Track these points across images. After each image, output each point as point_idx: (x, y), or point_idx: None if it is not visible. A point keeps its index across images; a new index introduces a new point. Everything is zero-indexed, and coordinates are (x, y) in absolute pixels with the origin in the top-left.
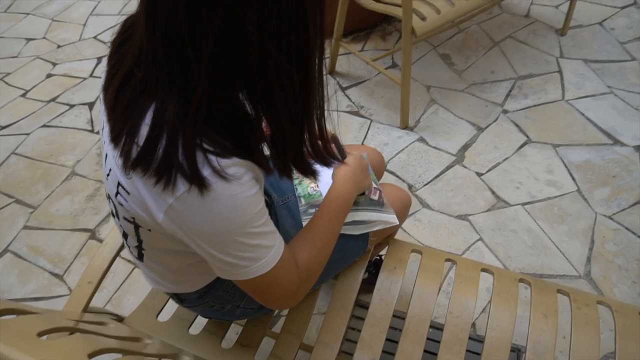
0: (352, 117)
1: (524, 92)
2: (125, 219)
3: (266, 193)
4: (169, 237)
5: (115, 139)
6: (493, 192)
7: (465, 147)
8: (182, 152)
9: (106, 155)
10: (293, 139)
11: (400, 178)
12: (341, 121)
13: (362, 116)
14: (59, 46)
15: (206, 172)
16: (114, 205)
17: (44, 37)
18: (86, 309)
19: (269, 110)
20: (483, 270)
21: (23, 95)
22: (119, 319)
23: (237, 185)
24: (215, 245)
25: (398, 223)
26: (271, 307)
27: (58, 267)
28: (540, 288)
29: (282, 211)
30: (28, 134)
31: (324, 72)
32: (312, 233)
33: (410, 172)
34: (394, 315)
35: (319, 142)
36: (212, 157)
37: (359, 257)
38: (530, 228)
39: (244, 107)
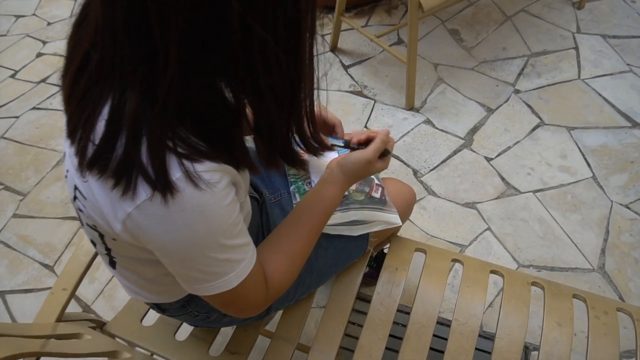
0: (355, 97)
1: (537, 71)
2: (88, 225)
3: (256, 190)
4: (138, 247)
5: (71, 134)
6: (503, 179)
7: (474, 130)
8: (147, 151)
9: (64, 153)
10: (280, 128)
11: (405, 163)
12: (343, 101)
13: (366, 96)
14: (49, 23)
15: (176, 175)
16: (76, 210)
17: (33, 14)
18: (60, 319)
19: (253, 97)
20: (493, 272)
21: (12, 76)
22: (100, 324)
23: (210, 195)
24: (178, 260)
25: (400, 224)
26: (233, 315)
27: (48, 258)
28: (554, 292)
29: (273, 209)
30: (17, 117)
31: (315, 53)
32: (287, 242)
33: (415, 156)
34: (398, 310)
35: (308, 131)
36: (184, 160)
37: (358, 259)
38: (542, 217)
39: (223, 95)
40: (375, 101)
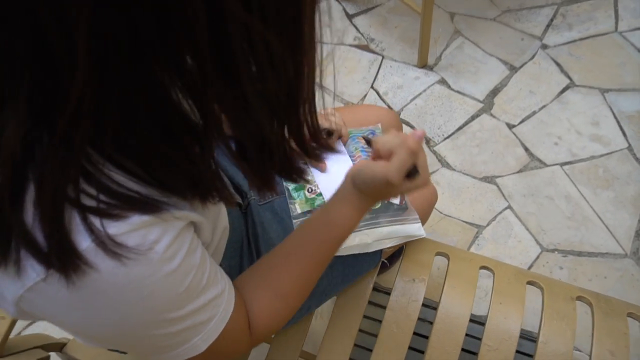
0: (360, 53)
1: (568, 22)
2: None
3: (237, 189)
4: None
5: None
6: (526, 149)
7: (495, 92)
8: (33, 207)
9: None
10: (276, 142)
11: (416, 130)
12: (346, 57)
13: (372, 51)
14: None
15: (82, 245)
16: None
17: None
18: (2, 352)
19: (233, 107)
20: (530, 283)
21: None
22: (59, 346)
23: (143, 265)
24: (109, 341)
25: (425, 235)
26: None
27: None
28: (606, 311)
29: (264, 214)
30: None
31: (317, 37)
32: (281, 277)
33: (428, 122)
34: (424, 305)
35: (308, 134)
36: (96, 218)
37: (368, 272)
38: (569, 194)
39: (179, 112)
40: (383, 57)
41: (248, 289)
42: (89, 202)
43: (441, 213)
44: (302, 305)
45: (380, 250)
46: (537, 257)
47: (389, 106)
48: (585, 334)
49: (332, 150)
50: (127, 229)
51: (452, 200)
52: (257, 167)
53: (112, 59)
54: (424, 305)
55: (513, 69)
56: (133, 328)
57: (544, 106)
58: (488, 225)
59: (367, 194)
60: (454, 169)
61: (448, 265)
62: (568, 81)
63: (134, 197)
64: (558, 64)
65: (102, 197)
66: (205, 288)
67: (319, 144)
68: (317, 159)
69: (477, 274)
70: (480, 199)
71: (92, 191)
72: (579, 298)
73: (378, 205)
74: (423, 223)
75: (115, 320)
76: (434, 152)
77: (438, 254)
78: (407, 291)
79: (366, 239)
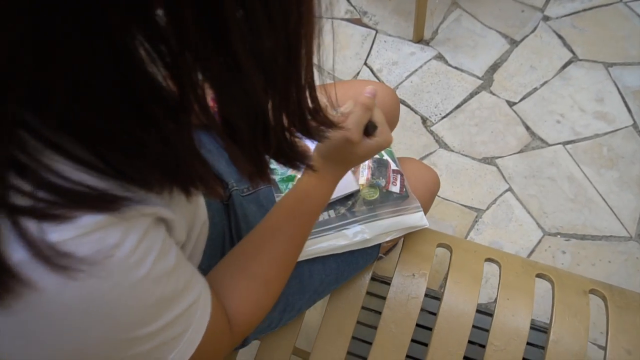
0: (352, 27)
1: None
2: None
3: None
4: None
5: None
6: (527, 128)
7: (495, 68)
8: None
9: None
10: (273, 118)
11: (412, 108)
12: (338, 32)
13: (366, 25)
14: None
15: (14, 257)
16: None
17: None
18: None
19: (219, 73)
20: (540, 275)
21: None
22: None
23: (103, 278)
24: None
25: (427, 225)
26: None
27: None
28: (620, 305)
29: (248, 206)
30: None
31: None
32: (258, 261)
33: (424, 100)
34: (426, 295)
35: (310, 109)
36: (32, 221)
37: (365, 267)
38: (572, 175)
39: (147, 74)
40: (376, 31)
41: (224, 280)
42: (22, 202)
43: (439, 197)
44: (293, 306)
45: (379, 245)
46: (539, 242)
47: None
48: (599, 324)
49: (337, 127)
50: (76, 233)
51: (450, 183)
52: (249, 151)
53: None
54: (425, 295)
55: (513, 43)
56: (92, 354)
57: (545, 82)
58: (488, 208)
59: (333, 161)
60: (452, 150)
61: (451, 258)
62: (571, 55)
63: (84, 192)
64: (560, 37)
65: (40, 194)
66: (180, 296)
67: (320, 120)
68: (319, 139)
69: (482, 267)
70: (480, 181)
71: (27, 187)
72: (592, 291)
73: (375, 196)
74: (425, 212)
75: (68, 348)
76: (431, 132)
77: (440, 245)
78: (406, 287)
79: (364, 235)
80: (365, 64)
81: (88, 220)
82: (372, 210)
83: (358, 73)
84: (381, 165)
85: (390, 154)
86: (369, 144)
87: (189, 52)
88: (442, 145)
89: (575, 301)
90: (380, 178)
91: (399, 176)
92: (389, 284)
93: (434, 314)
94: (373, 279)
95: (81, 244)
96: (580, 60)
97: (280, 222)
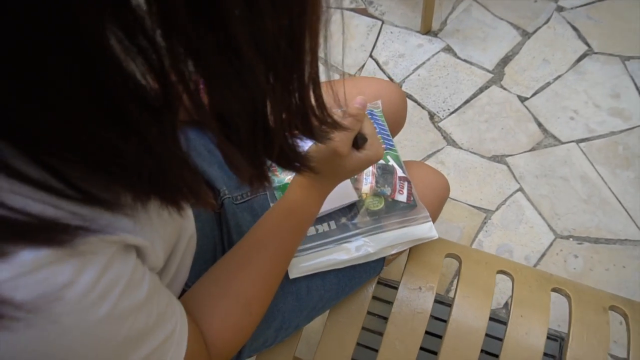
0: (357, 17)
1: None
2: None
3: (209, 186)
4: None
5: None
6: (540, 124)
7: (506, 61)
8: None
9: None
10: (274, 115)
11: (418, 103)
12: (343, 22)
13: (371, 15)
14: None
15: None
16: None
17: None
18: None
19: (214, 61)
20: (556, 290)
21: None
22: None
23: (48, 326)
24: None
25: (437, 236)
26: None
27: None
28: None
29: (242, 214)
30: None
31: None
32: (240, 280)
33: (432, 94)
34: (436, 301)
35: (313, 107)
36: None
37: (368, 280)
38: (586, 175)
39: (121, 66)
40: (382, 22)
41: (203, 301)
42: None
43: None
44: (289, 323)
45: (383, 257)
46: (550, 245)
47: (389, 77)
48: (620, 341)
49: (343, 128)
50: (12, 273)
51: (458, 182)
52: (248, 152)
53: None
54: (435, 301)
55: (526, 35)
56: None
57: (559, 76)
58: (497, 209)
59: (322, 175)
60: (460, 147)
61: (460, 269)
62: (586, 48)
63: (23, 222)
64: (575, 29)
65: None
66: (151, 332)
67: (323, 120)
68: (321, 140)
69: (494, 280)
70: (489, 180)
71: None
72: (612, 308)
73: (380, 206)
74: (433, 221)
75: None
76: (439, 129)
77: (448, 255)
78: (412, 301)
79: (368, 248)
80: (371, 56)
81: (28, 257)
82: (377, 221)
83: (363, 66)
84: (386, 172)
85: (397, 159)
86: (357, 158)
87: (178, 39)
88: (450, 142)
89: (594, 319)
90: (386, 186)
91: (406, 184)
92: (395, 287)
93: (441, 320)
94: (378, 282)
95: (19, 286)
96: (596, 53)
97: (264, 238)
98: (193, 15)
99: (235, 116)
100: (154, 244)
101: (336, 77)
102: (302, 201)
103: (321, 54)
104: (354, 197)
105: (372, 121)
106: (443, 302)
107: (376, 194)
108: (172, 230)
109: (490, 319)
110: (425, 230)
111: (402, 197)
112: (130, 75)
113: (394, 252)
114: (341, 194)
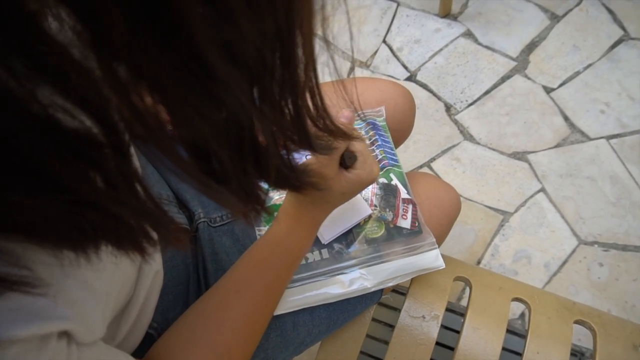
0: (370, 0)
1: None
2: None
3: (183, 207)
4: None
5: None
6: (566, 118)
7: (531, 47)
8: None
9: None
10: (266, 134)
11: (434, 93)
12: (355, 5)
13: None
14: None
15: None
16: None
17: None
18: None
19: (177, 82)
20: (579, 322)
21: None
22: None
23: None
24: None
25: (443, 266)
26: None
27: None
28: None
29: (220, 239)
30: None
31: None
32: (218, 326)
33: (449, 84)
34: (448, 310)
35: (312, 117)
36: None
37: (367, 308)
38: (616, 175)
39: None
40: (398, 4)
41: (175, 349)
42: None
43: (461, 196)
44: (274, 359)
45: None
46: (573, 251)
47: (403, 65)
48: None
49: (350, 137)
50: None
51: (474, 181)
52: (239, 184)
53: None
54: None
55: (554, 18)
56: None
57: (590, 65)
58: (516, 211)
59: (308, 201)
60: (477, 143)
61: (470, 295)
62: (622, 33)
63: None
64: (610, 11)
65: None
66: None
67: (326, 128)
68: (324, 152)
69: (509, 309)
70: (508, 179)
71: None
72: None
73: (380, 233)
74: (440, 242)
75: None
76: (455, 122)
77: (457, 279)
78: (413, 331)
79: (365, 282)
80: (384, 41)
81: None
82: (376, 250)
83: (376, 52)
84: (388, 193)
85: (400, 177)
86: (347, 178)
87: (120, 61)
88: (467, 136)
89: (622, 357)
90: (387, 210)
91: (410, 207)
92: (397, 310)
93: (449, 348)
94: (379, 303)
95: None
96: (633, 39)
97: (246, 278)
98: (135, 23)
99: (213, 146)
100: (87, 317)
101: (344, 68)
102: (290, 234)
103: (324, 39)
104: (368, 211)
105: (364, 137)
106: (454, 310)
107: (377, 219)
108: (127, 276)
109: (503, 349)
110: (431, 259)
111: (405, 223)
112: (54, 120)
113: (393, 284)
114: (353, 211)
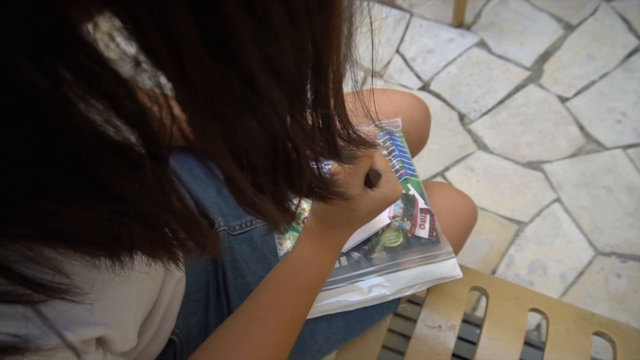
0: (383, 9)
1: None
2: None
3: (203, 215)
4: None
5: None
6: (581, 128)
7: (545, 57)
8: None
9: None
10: (297, 146)
11: (448, 103)
12: (368, 14)
13: (399, 7)
14: None
15: None
16: None
17: None
18: None
19: (220, 95)
20: (598, 334)
21: None
22: None
23: None
24: None
25: (461, 275)
26: None
27: None
28: None
29: (239, 247)
30: None
31: None
32: (244, 354)
33: (463, 94)
34: (464, 321)
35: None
36: None
37: (384, 317)
38: (633, 185)
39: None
40: (411, 14)
41: None
42: None
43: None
44: None
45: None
46: (590, 262)
47: (416, 75)
48: None
49: (372, 145)
50: None
51: (489, 191)
52: (274, 195)
53: None
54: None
55: (569, 28)
56: None
57: (605, 74)
58: (531, 221)
59: (332, 223)
60: (492, 152)
61: (487, 306)
62: (637, 42)
63: None
64: (626, 20)
65: None
66: None
67: (350, 139)
68: (349, 161)
69: (527, 319)
70: (524, 189)
71: None
72: None
73: (398, 242)
74: (457, 252)
75: None
76: (469, 131)
77: (474, 288)
78: (430, 341)
79: (384, 290)
80: (398, 51)
81: None
82: (394, 258)
83: (389, 62)
84: (407, 203)
85: (418, 186)
86: (372, 197)
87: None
88: (481, 146)
89: None
90: (405, 220)
91: (428, 217)
92: (413, 320)
93: (467, 342)
94: (394, 314)
95: None
96: None
97: (268, 303)
98: (208, 48)
99: (252, 158)
100: (121, 323)
101: (358, 78)
102: (312, 256)
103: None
104: (385, 221)
105: (384, 155)
106: (468, 320)
107: (395, 228)
108: (155, 283)
109: None
110: (448, 268)
111: (423, 233)
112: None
113: (411, 292)
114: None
